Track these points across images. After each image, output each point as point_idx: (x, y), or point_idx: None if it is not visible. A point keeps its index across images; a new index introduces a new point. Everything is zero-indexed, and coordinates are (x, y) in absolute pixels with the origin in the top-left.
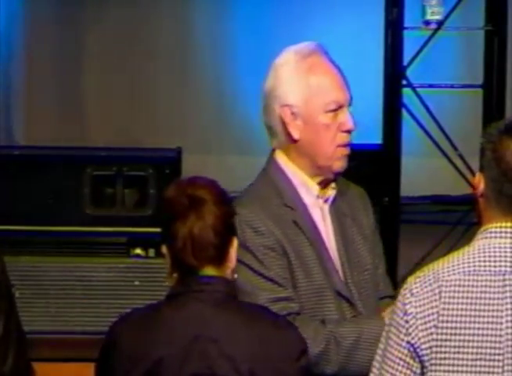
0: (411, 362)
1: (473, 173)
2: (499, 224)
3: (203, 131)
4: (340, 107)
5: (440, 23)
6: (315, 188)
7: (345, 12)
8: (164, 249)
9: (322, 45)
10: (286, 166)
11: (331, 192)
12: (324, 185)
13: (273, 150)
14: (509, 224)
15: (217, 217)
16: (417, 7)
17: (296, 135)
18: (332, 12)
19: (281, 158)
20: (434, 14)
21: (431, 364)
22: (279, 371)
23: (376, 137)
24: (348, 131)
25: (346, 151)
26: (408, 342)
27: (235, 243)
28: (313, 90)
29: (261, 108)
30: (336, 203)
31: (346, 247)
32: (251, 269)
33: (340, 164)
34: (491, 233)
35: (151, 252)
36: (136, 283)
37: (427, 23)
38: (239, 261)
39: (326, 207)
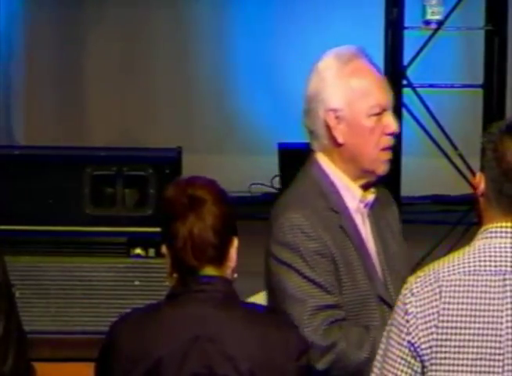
0: (412, 361)
1: (473, 173)
2: (499, 224)
3: (203, 131)
4: (383, 110)
5: (440, 23)
6: (358, 192)
7: (345, 13)
8: (164, 249)
9: (362, 48)
10: (329, 169)
11: (371, 196)
12: (364, 189)
13: (314, 152)
14: (509, 224)
15: (216, 217)
16: (417, 7)
17: (340, 139)
18: (332, 12)
19: (323, 161)
20: (435, 14)
21: (432, 364)
22: (279, 371)
23: None
24: (392, 134)
25: (389, 155)
26: (408, 342)
27: (235, 242)
28: (357, 94)
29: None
30: (373, 207)
31: (385, 252)
32: (301, 274)
33: (383, 168)
34: (491, 232)
35: (151, 252)
36: (136, 283)
37: (428, 22)
38: (289, 265)
39: (366, 211)
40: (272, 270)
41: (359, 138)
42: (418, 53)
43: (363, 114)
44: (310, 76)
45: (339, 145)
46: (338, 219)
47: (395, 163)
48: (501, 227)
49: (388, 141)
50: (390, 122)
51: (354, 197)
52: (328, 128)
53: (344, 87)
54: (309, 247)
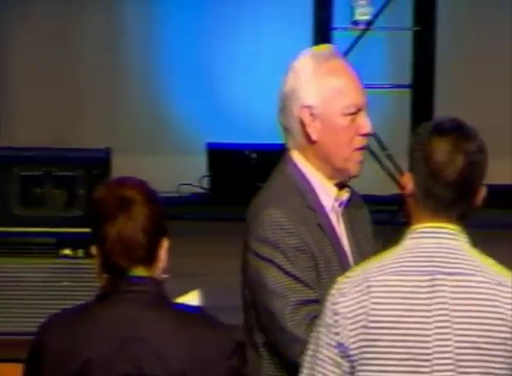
0: (341, 361)
1: (402, 173)
2: (427, 224)
3: (132, 132)
4: (358, 110)
5: (368, 24)
6: (333, 190)
7: (274, 13)
8: (93, 250)
9: (337, 49)
10: (304, 167)
11: (345, 195)
12: (339, 188)
13: (288, 150)
14: (437, 224)
15: (146, 217)
16: (346, 8)
17: (314, 136)
18: (261, 12)
19: (298, 159)
20: (363, 15)
21: (361, 364)
22: (210, 371)
23: None
24: (366, 135)
25: (361, 156)
26: (338, 342)
27: (165, 243)
28: (333, 92)
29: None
30: (347, 207)
31: (358, 251)
32: (282, 270)
33: (356, 169)
34: (419, 233)
35: (80, 253)
36: (65, 283)
37: (356, 23)
38: (270, 261)
39: (340, 210)
40: (252, 266)
41: (333, 136)
42: (346, 53)
43: (338, 113)
44: (286, 75)
45: (313, 142)
46: (315, 217)
47: None
48: (429, 227)
49: (362, 141)
50: (364, 123)
51: (329, 195)
52: (302, 125)
53: (320, 85)
54: (289, 243)
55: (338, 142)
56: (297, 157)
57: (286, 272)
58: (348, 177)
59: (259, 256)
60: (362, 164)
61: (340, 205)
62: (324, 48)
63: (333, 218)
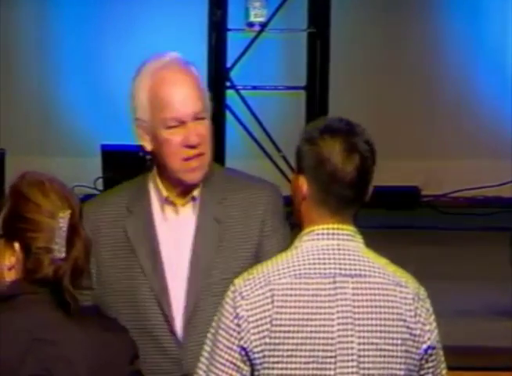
0: (241, 365)
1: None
2: (325, 225)
3: (26, 133)
4: (182, 123)
5: (263, 25)
6: (165, 192)
7: (169, 13)
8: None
9: (180, 56)
10: (153, 170)
11: (184, 200)
12: (186, 192)
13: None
14: (335, 225)
15: None
16: (241, 9)
17: (148, 147)
18: (156, 12)
19: (153, 165)
20: (258, 16)
21: (264, 368)
22: (117, 375)
23: None
24: (190, 147)
25: (194, 164)
26: (240, 346)
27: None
28: (156, 106)
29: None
30: (208, 208)
31: (204, 252)
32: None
33: (192, 176)
34: (318, 234)
35: None
36: None
37: (251, 25)
38: None
39: (187, 210)
40: None
41: (160, 148)
42: (241, 55)
43: (161, 126)
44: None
45: (150, 152)
46: (126, 218)
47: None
48: (327, 229)
49: (187, 153)
50: (186, 135)
51: (159, 198)
52: (138, 136)
53: (146, 97)
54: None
55: (165, 153)
56: (154, 162)
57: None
58: (187, 185)
59: None
60: (200, 170)
61: (182, 206)
62: (165, 55)
63: (162, 218)
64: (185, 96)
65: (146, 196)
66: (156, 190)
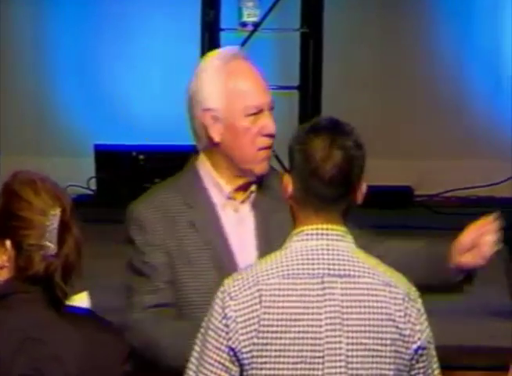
0: (230, 366)
1: None
2: (314, 226)
3: (20, 132)
4: (260, 111)
5: (256, 25)
6: (227, 188)
7: (162, 13)
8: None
9: (243, 50)
10: (203, 167)
11: (245, 195)
12: (246, 187)
13: (197, 152)
14: (324, 225)
15: None
16: (234, 9)
17: (217, 138)
18: (149, 12)
19: (201, 160)
20: (251, 16)
21: (252, 368)
22: (108, 375)
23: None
24: (269, 136)
25: (267, 154)
26: (228, 346)
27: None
28: (233, 94)
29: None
30: (258, 202)
31: (269, 246)
32: (132, 266)
33: (261, 167)
34: (307, 235)
35: None
36: None
37: (244, 24)
38: (128, 255)
39: (245, 208)
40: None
41: (235, 137)
42: None
43: (239, 114)
44: (191, 77)
45: (216, 144)
46: (189, 214)
47: None
48: (316, 229)
49: (265, 141)
50: (266, 123)
51: (221, 193)
52: (205, 127)
53: (220, 87)
54: (139, 238)
55: (240, 143)
56: (201, 158)
57: (135, 270)
58: (255, 176)
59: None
60: (267, 161)
61: (242, 203)
62: (227, 49)
63: (225, 214)
64: (261, 85)
65: (203, 192)
66: (215, 186)
